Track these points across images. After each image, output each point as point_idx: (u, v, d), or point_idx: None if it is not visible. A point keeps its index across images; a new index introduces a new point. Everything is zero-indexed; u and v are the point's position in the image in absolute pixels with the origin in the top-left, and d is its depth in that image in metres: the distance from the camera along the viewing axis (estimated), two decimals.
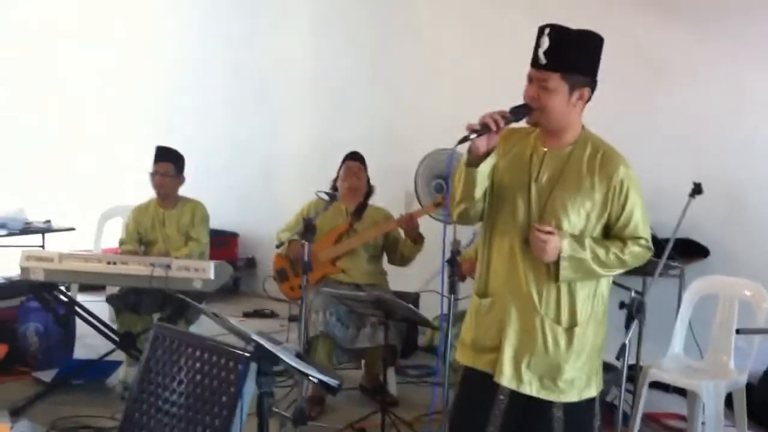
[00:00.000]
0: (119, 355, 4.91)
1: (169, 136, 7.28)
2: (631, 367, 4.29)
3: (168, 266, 4.38)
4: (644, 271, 4.62)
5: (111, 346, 4.86)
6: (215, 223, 5.49)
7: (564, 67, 2.52)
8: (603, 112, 5.40)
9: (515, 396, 2.68)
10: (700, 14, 5.32)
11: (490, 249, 2.75)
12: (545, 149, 2.68)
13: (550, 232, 2.55)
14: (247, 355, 2.50)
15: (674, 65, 5.41)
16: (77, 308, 4.84)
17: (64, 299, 4.83)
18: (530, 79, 2.59)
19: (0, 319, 5.18)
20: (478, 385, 2.73)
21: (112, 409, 4.43)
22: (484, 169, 2.57)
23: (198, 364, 2.73)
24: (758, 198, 5.11)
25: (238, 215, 7.62)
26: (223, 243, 7.18)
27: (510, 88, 2.79)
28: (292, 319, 6.23)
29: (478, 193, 2.64)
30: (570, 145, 2.66)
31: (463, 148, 2.59)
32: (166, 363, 2.85)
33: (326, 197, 4.50)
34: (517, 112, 2.56)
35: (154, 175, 5.09)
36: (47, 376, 4.87)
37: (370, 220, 4.95)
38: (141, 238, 5.16)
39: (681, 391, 4.66)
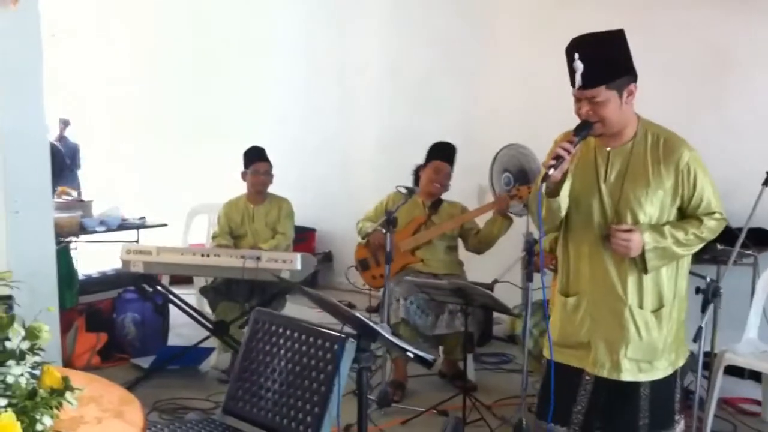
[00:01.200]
0: (211, 342, 5.20)
1: (249, 135, 7.60)
2: (706, 354, 4.38)
3: (258, 258, 4.65)
4: (718, 259, 4.72)
5: (202, 334, 5.12)
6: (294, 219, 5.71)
7: (606, 79, 2.62)
8: (673, 104, 5.57)
9: (601, 378, 2.83)
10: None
11: (570, 250, 2.91)
12: (608, 149, 2.80)
13: (629, 230, 2.68)
14: (343, 335, 2.69)
15: (743, 54, 5.44)
16: (173, 298, 5.13)
17: (162, 290, 5.12)
18: (578, 99, 2.70)
19: (99, 309, 5.52)
20: (564, 376, 2.86)
21: (208, 391, 4.73)
22: (565, 194, 2.75)
23: (296, 345, 2.89)
24: None
25: (316, 211, 7.83)
26: (301, 238, 7.41)
27: None
28: (371, 310, 6.45)
29: (563, 214, 2.82)
30: (631, 140, 2.77)
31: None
32: (266, 345, 3.02)
33: (405, 191, 4.69)
34: (582, 130, 2.68)
35: (254, 174, 5.33)
36: (144, 362, 5.19)
37: (446, 214, 5.09)
38: (231, 232, 5.43)
39: (756, 378, 4.73)
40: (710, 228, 2.79)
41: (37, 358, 1.90)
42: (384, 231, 4.42)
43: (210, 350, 5.25)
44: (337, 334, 2.72)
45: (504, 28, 6.64)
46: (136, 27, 8.79)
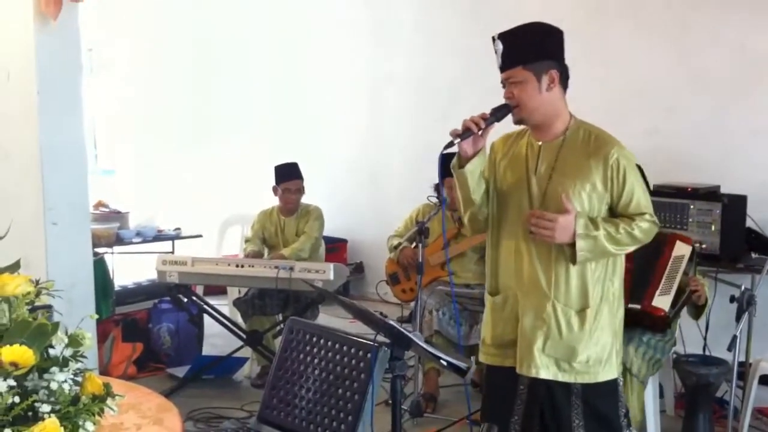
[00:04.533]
0: (245, 353, 5.25)
1: (282, 148, 7.67)
2: (741, 364, 4.35)
3: (291, 268, 4.70)
4: (753, 268, 4.69)
5: (236, 345, 5.17)
6: (325, 230, 5.72)
7: (522, 59, 2.65)
8: (701, 111, 5.53)
9: (534, 385, 2.78)
10: None
11: (498, 248, 2.86)
12: (540, 143, 2.77)
13: (564, 213, 2.62)
14: (376, 344, 2.72)
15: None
16: (208, 308, 5.19)
17: (197, 300, 5.19)
18: (503, 84, 2.74)
19: (135, 319, 5.60)
20: (501, 380, 2.86)
21: (242, 401, 4.78)
22: (472, 167, 2.72)
23: (330, 354, 2.91)
24: None
25: (347, 222, 7.86)
26: (333, 249, 7.46)
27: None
28: (403, 320, 6.46)
29: (476, 195, 2.79)
30: (562, 135, 2.75)
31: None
32: (300, 353, 3.04)
33: (437, 201, 4.71)
34: (498, 111, 2.69)
35: (285, 192, 5.37)
36: (179, 372, 5.25)
37: None
38: (265, 241, 5.50)
39: None
40: (642, 229, 2.71)
41: (79, 365, 1.94)
42: (413, 246, 4.43)
43: (244, 360, 5.31)
44: (371, 342, 2.74)
45: None
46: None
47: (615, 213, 2.74)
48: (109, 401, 1.95)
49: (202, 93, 8.70)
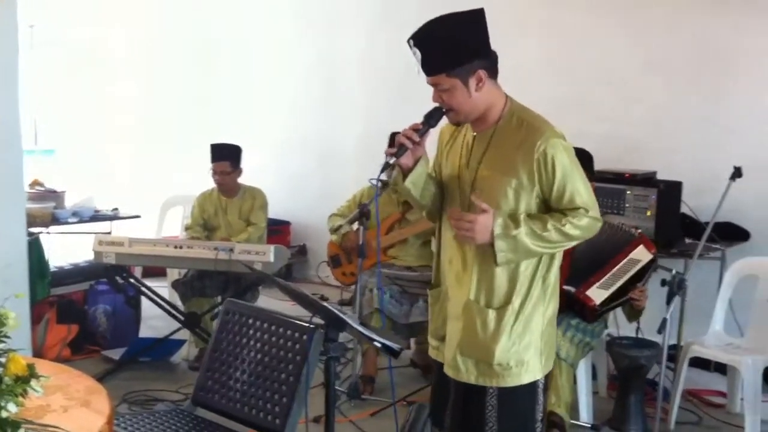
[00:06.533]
0: (183, 335, 5.20)
1: (226, 126, 7.59)
2: (672, 347, 4.47)
3: (231, 250, 4.66)
4: (685, 253, 4.80)
5: (173, 327, 5.12)
6: (269, 212, 5.69)
7: (443, 68, 2.48)
8: (655, 100, 5.61)
9: (456, 383, 2.65)
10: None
11: (441, 239, 2.76)
12: (474, 134, 2.63)
13: (482, 212, 2.47)
14: (312, 326, 2.72)
15: (726, 53, 5.48)
16: (145, 290, 5.12)
17: (134, 282, 5.11)
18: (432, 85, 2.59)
19: (71, 301, 5.49)
20: (439, 373, 2.75)
21: (178, 383, 4.74)
22: (414, 179, 2.59)
23: (266, 336, 2.90)
24: None
25: (291, 204, 7.81)
26: (275, 231, 7.42)
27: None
28: (344, 303, 6.48)
29: (425, 199, 2.67)
30: (495, 125, 2.58)
31: None
32: (237, 335, 3.02)
33: (380, 184, 4.69)
34: (431, 118, 2.57)
35: (213, 174, 5.33)
36: (116, 354, 5.18)
37: None
38: (205, 224, 5.44)
39: (721, 370, 4.80)
40: (577, 225, 2.50)
41: (2, 346, 1.91)
42: (354, 228, 4.41)
43: (182, 342, 5.26)
44: (306, 324, 2.74)
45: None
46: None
47: (550, 207, 2.55)
48: (33, 383, 1.92)
49: (147, 72, 8.57)
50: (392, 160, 2.54)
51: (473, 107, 2.54)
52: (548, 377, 2.69)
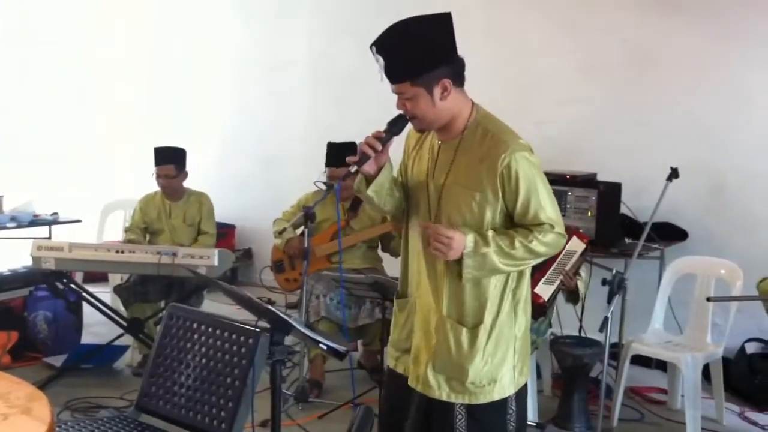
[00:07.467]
0: (126, 341, 5.12)
1: (169, 128, 7.50)
2: (614, 345, 4.55)
3: (174, 254, 4.61)
4: (625, 252, 4.90)
5: (116, 332, 5.04)
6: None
7: (406, 76, 2.40)
8: (591, 103, 5.71)
9: (423, 397, 2.59)
10: (680, 5, 5.54)
11: (407, 248, 2.69)
12: (439, 143, 2.56)
13: (455, 231, 2.42)
14: (257, 330, 2.70)
15: (658, 56, 5.60)
16: (87, 295, 5.03)
17: (75, 287, 5.02)
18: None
19: (10, 307, 5.36)
20: (397, 384, 2.67)
21: (122, 390, 4.67)
22: (377, 187, 2.54)
23: (211, 340, 2.87)
24: (735, 183, 5.33)
25: (235, 207, 7.75)
26: (220, 234, 7.34)
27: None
28: (290, 307, 6.44)
29: (388, 206, 2.62)
30: (460, 134, 2.51)
31: None
32: (180, 340, 2.99)
33: (324, 187, 4.70)
34: (394, 125, 2.50)
35: (156, 177, 5.27)
36: (57, 361, 5.07)
37: (366, 216, 5.02)
38: (147, 228, 5.36)
39: (662, 368, 4.91)
40: (542, 241, 2.45)
41: None
42: (298, 233, 4.40)
43: (125, 348, 5.18)
44: (252, 328, 2.72)
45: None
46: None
47: (515, 222, 2.49)
48: None
49: (86, 74, 8.41)
50: (353, 169, 2.47)
51: (437, 116, 2.46)
52: (526, 385, 2.64)
